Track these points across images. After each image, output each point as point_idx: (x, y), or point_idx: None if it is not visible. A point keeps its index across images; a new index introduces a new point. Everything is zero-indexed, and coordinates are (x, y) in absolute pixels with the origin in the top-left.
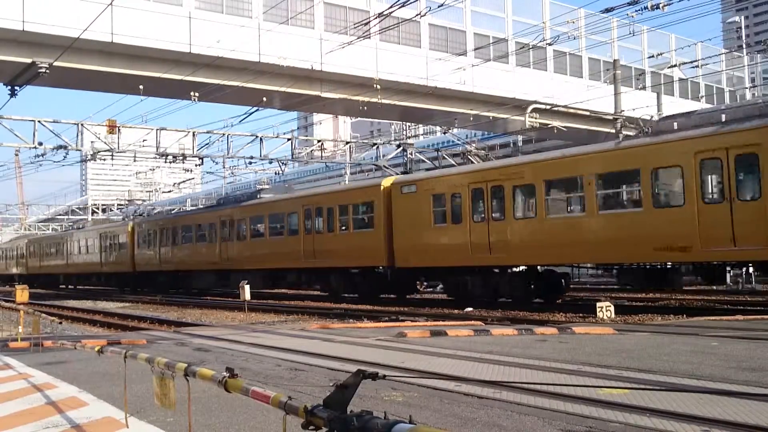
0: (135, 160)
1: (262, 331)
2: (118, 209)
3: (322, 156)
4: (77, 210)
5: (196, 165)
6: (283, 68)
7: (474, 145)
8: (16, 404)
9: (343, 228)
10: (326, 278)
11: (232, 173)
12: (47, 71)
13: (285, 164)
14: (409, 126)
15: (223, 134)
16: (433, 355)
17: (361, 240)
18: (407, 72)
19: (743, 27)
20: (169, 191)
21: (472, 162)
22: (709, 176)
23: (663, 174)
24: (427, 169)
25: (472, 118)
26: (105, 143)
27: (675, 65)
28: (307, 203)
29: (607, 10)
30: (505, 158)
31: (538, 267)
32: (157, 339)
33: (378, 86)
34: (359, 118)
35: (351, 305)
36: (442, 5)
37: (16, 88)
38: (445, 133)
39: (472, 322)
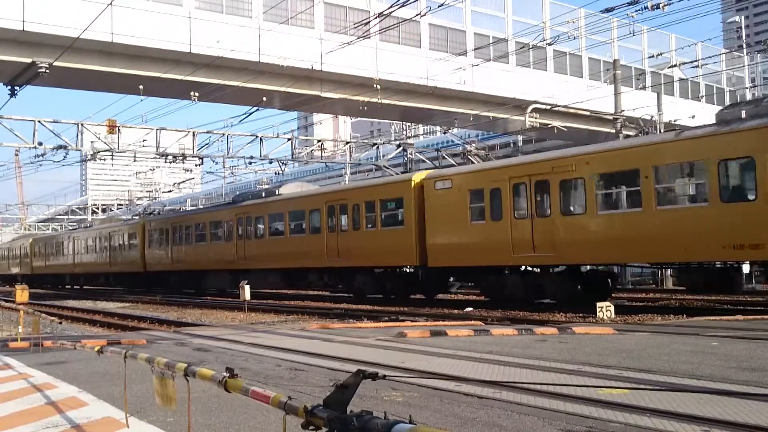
0: (135, 160)
1: (262, 331)
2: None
3: (322, 156)
4: (77, 210)
5: (196, 165)
6: (283, 68)
7: (474, 145)
8: (16, 404)
9: (370, 225)
10: (351, 278)
11: (232, 173)
12: (47, 71)
13: (285, 164)
14: (409, 126)
15: (223, 134)
16: (433, 355)
17: (390, 238)
18: (407, 72)
19: (743, 27)
20: (169, 191)
21: (472, 162)
22: None
23: (732, 166)
24: (433, 168)
25: (472, 118)
26: (105, 143)
27: (675, 65)
28: (331, 199)
29: (607, 10)
30: (544, 153)
31: (580, 266)
32: (157, 339)
33: (378, 86)
34: (359, 118)
35: (351, 305)
36: (442, 5)
37: (16, 88)
38: (445, 133)
39: (472, 322)
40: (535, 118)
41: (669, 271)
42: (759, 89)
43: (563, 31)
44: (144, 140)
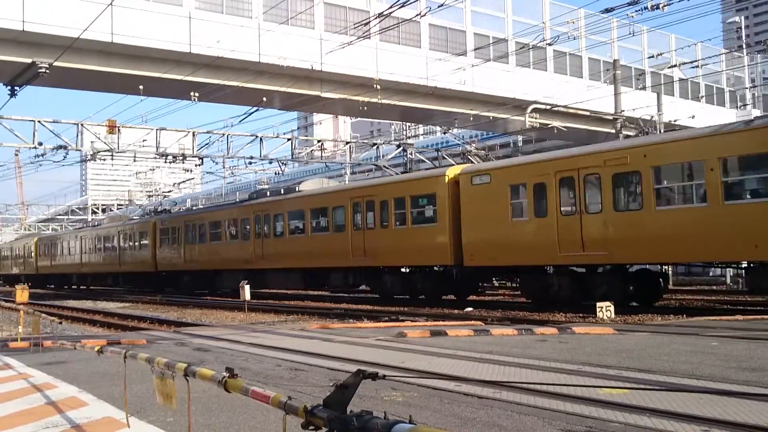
0: (135, 160)
1: (262, 331)
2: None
3: (322, 156)
4: (77, 210)
5: (196, 165)
6: (283, 68)
7: (474, 145)
8: (16, 404)
9: (400, 223)
10: (377, 278)
11: (232, 173)
12: (47, 71)
13: (285, 164)
14: (409, 126)
15: (223, 134)
16: (433, 355)
17: (421, 236)
18: (407, 72)
19: (743, 27)
20: (169, 191)
21: (472, 162)
22: None
23: None
24: (433, 167)
25: (472, 118)
26: (105, 143)
27: (675, 65)
28: (356, 196)
29: (607, 10)
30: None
31: (627, 266)
32: (157, 339)
33: (378, 86)
34: (359, 118)
35: (351, 305)
36: (442, 5)
37: (16, 88)
38: (445, 133)
39: (472, 322)
40: (535, 118)
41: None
42: (759, 89)
43: (563, 31)
44: (144, 140)
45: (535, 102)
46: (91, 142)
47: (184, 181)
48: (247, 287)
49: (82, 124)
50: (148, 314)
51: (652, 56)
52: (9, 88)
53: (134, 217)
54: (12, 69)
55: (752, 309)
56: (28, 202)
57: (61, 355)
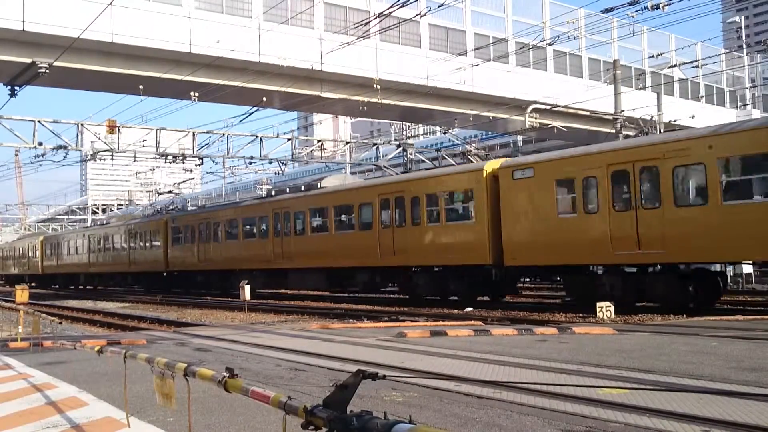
0: (135, 160)
1: (262, 331)
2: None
3: (322, 156)
4: (77, 210)
5: (196, 165)
6: (283, 68)
7: (474, 145)
8: (16, 404)
9: (432, 220)
10: (407, 278)
11: (232, 173)
12: (47, 71)
13: (285, 164)
14: (409, 126)
15: (223, 134)
16: (433, 355)
17: (456, 234)
18: (407, 72)
19: (743, 27)
20: (169, 191)
21: (471, 161)
22: None
23: None
24: (434, 167)
25: (472, 118)
26: (105, 143)
27: (675, 65)
28: (385, 192)
29: (607, 10)
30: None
31: (680, 265)
32: (157, 339)
33: (378, 86)
34: (359, 118)
35: (351, 305)
36: (442, 5)
37: (16, 88)
38: (445, 133)
39: (472, 322)
40: (535, 118)
41: None
42: (759, 89)
43: (563, 31)
44: (144, 140)
45: (535, 102)
46: (91, 142)
47: (184, 181)
48: (247, 287)
49: (82, 124)
50: (148, 314)
51: (652, 56)
52: (9, 88)
53: (141, 216)
54: (12, 69)
55: (752, 309)
56: (28, 202)
57: (61, 355)
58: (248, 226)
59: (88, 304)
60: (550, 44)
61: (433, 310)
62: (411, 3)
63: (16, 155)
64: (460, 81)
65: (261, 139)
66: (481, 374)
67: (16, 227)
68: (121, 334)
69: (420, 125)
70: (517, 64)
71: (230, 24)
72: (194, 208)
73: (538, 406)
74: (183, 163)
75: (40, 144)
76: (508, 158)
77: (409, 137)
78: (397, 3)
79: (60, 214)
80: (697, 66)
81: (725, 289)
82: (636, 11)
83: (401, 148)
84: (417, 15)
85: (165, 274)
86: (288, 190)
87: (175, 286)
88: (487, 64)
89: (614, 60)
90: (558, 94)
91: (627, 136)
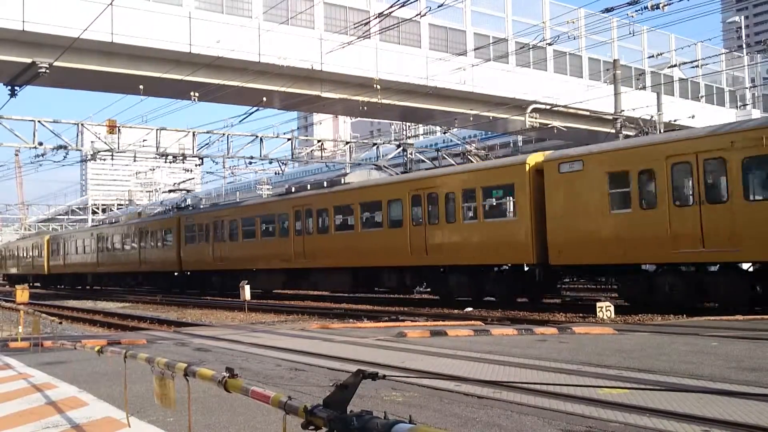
0: (135, 160)
1: (262, 331)
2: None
3: (322, 156)
4: (77, 210)
5: (196, 165)
6: (283, 68)
7: (474, 145)
8: (16, 404)
9: (469, 217)
10: (439, 278)
11: (232, 173)
12: (47, 71)
13: (285, 164)
14: (409, 126)
15: (223, 134)
16: (433, 355)
17: (496, 232)
18: (407, 72)
19: (743, 27)
20: (169, 191)
21: (472, 161)
22: None
23: None
24: (434, 167)
25: (472, 118)
26: (105, 143)
27: (675, 65)
28: (417, 188)
29: (607, 10)
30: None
31: (741, 264)
32: (157, 339)
33: (378, 86)
34: (359, 118)
35: (351, 305)
36: (442, 5)
37: (16, 88)
38: (445, 133)
39: (472, 322)
40: (535, 118)
41: None
42: (759, 89)
43: (563, 31)
44: (144, 140)
45: (535, 102)
46: (91, 142)
47: (184, 181)
48: (247, 287)
49: (82, 124)
50: (148, 314)
51: (652, 56)
52: (9, 88)
53: (159, 211)
54: (12, 69)
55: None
56: (28, 202)
57: (61, 355)
58: (267, 224)
59: (88, 304)
60: (550, 44)
61: (433, 310)
62: (411, 3)
63: (16, 155)
64: (460, 81)
65: (261, 139)
66: (481, 374)
67: (17, 227)
68: (121, 334)
69: (420, 125)
70: (517, 64)
71: (230, 24)
72: (208, 205)
73: (538, 406)
74: (183, 163)
75: (40, 144)
76: (551, 151)
77: (409, 137)
78: (397, 3)
79: (60, 214)
80: (697, 66)
81: None
82: (636, 11)
83: (401, 148)
84: (417, 15)
85: (176, 274)
86: (309, 186)
87: (189, 286)
88: (487, 64)
89: (614, 60)
90: (558, 94)
91: (627, 136)
